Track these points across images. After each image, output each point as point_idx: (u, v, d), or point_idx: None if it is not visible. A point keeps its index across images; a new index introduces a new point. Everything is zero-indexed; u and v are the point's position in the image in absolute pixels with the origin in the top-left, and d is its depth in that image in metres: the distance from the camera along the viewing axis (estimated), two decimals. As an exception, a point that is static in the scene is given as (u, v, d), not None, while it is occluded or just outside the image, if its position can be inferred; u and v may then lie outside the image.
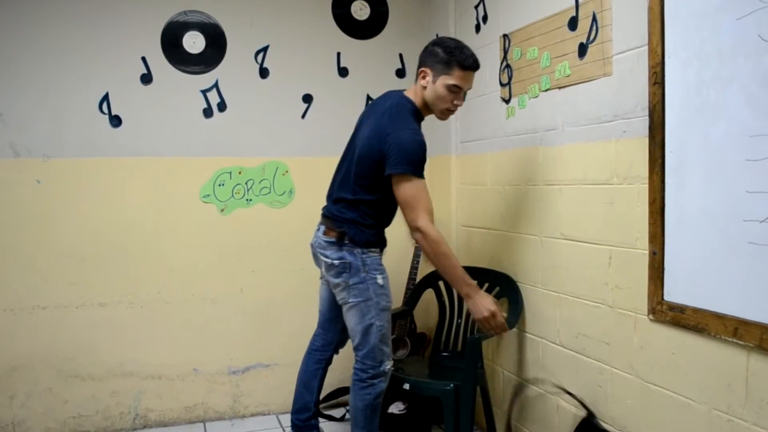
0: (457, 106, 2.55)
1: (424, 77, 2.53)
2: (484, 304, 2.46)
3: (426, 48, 2.57)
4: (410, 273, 3.41)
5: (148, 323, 3.36)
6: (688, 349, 1.97)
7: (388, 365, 2.61)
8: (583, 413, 2.45)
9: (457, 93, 2.52)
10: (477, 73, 3.19)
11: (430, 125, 3.72)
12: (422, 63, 2.55)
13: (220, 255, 3.46)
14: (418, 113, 2.59)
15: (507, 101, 2.96)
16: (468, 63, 2.49)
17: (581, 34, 2.41)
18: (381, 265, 2.63)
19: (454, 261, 2.50)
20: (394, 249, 3.53)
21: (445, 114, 2.59)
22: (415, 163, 2.44)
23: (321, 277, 2.78)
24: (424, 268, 3.62)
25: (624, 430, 2.26)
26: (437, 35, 3.58)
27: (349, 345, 2.74)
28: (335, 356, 2.95)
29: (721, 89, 1.80)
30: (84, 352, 3.28)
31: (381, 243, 2.67)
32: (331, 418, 3.38)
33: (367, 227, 2.59)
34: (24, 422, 3.21)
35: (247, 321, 3.51)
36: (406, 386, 2.67)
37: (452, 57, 2.47)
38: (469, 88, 2.57)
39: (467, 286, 2.49)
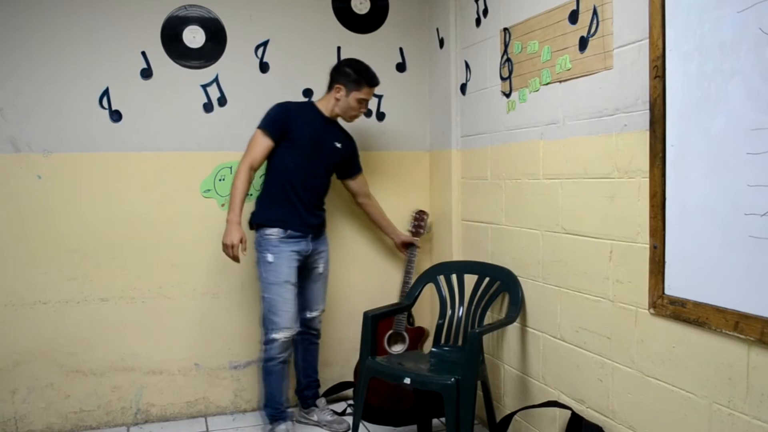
0: (362, 112, 3.24)
1: (338, 92, 3.12)
2: (231, 234, 2.95)
3: (338, 68, 3.16)
4: (406, 267, 3.43)
5: (149, 318, 3.37)
6: (688, 343, 1.97)
7: (273, 335, 3.01)
8: (577, 410, 2.46)
9: (363, 104, 3.17)
10: (478, 67, 3.23)
11: (429, 120, 3.73)
12: (336, 80, 3.13)
13: (220, 250, 3.45)
14: (312, 104, 3.23)
15: (507, 95, 2.95)
16: (374, 83, 3.16)
17: (582, 27, 2.40)
18: (279, 244, 3.04)
19: (236, 193, 2.99)
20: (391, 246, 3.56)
21: (352, 118, 3.22)
22: (264, 118, 3.10)
23: None
24: (423, 265, 3.63)
25: (625, 424, 2.27)
26: (437, 29, 3.57)
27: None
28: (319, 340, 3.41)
29: (722, 82, 1.79)
30: (85, 347, 3.28)
31: (279, 222, 3.07)
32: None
33: (259, 207, 3.16)
34: (26, 417, 3.22)
35: (248, 316, 3.51)
36: (407, 380, 2.68)
37: (362, 77, 3.11)
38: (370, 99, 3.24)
39: (229, 215, 2.99)
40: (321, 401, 3.39)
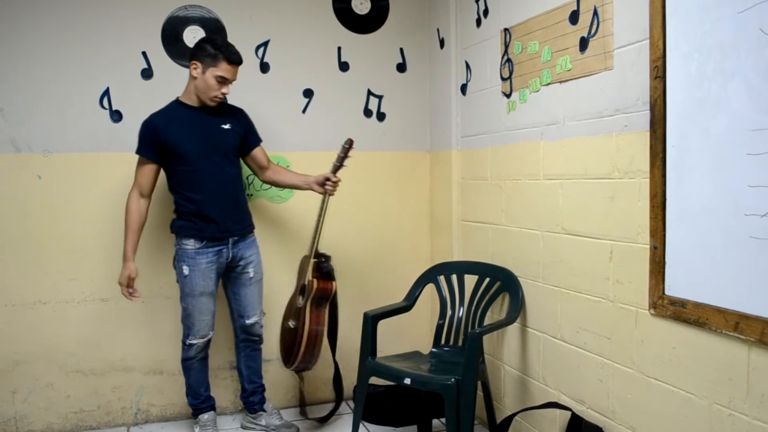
0: (224, 94, 2.93)
1: (194, 69, 2.88)
2: (121, 273, 2.95)
3: (197, 44, 2.94)
4: (318, 212, 3.12)
5: (150, 318, 3.37)
6: (689, 343, 1.97)
7: (188, 340, 3.06)
8: (577, 410, 2.46)
9: (223, 83, 2.89)
10: (478, 68, 3.22)
11: (429, 120, 3.73)
12: (192, 57, 2.91)
13: (221, 250, 3.45)
14: (176, 103, 3.02)
15: (508, 95, 2.95)
16: (233, 58, 2.89)
17: (582, 28, 2.40)
18: (195, 256, 2.98)
19: (128, 225, 2.95)
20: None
21: (214, 100, 2.94)
22: (138, 142, 2.97)
23: None
24: (423, 265, 3.63)
25: (625, 425, 2.27)
26: (438, 30, 3.57)
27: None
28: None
29: (722, 83, 1.79)
30: (85, 347, 3.28)
31: (193, 232, 2.98)
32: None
33: (176, 216, 3.05)
34: (26, 417, 3.21)
35: (248, 316, 3.51)
36: (407, 381, 2.67)
37: (219, 52, 2.86)
38: (234, 80, 2.95)
39: (128, 255, 2.95)
40: (268, 405, 3.31)
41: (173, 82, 3.30)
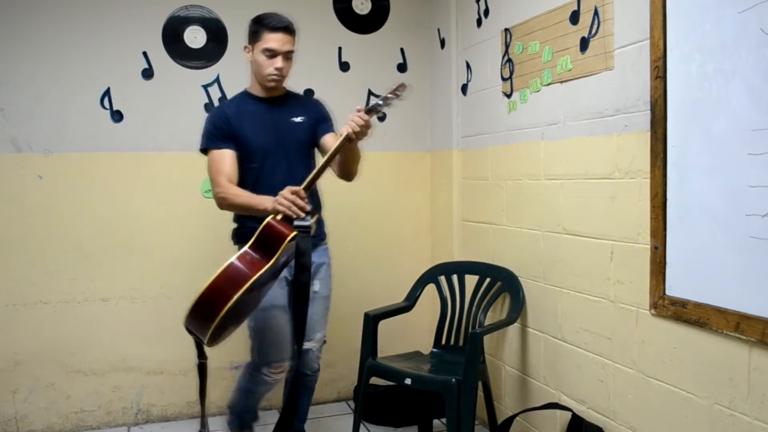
0: (279, 69, 2.54)
1: (247, 53, 2.60)
2: (281, 196, 2.31)
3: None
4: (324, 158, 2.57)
5: (150, 318, 3.37)
6: (689, 343, 1.97)
7: (261, 369, 2.58)
8: (577, 410, 2.46)
9: (274, 56, 2.53)
10: (479, 68, 3.21)
11: (430, 120, 3.72)
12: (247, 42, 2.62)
13: (222, 250, 3.43)
14: (244, 94, 2.71)
15: (508, 96, 2.95)
16: (273, 24, 2.51)
17: (583, 28, 2.40)
18: None
19: (240, 195, 2.50)
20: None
21: (270, 81, 2.58)
22: (203, 135, 2.63)
23: None
24: (424, 265, 3.62)
25: (626, 425, 2.27)
26: (438, 30, 3.57)
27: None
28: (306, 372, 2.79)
29: (723, 83, 1.79)
30: (86, 347, 3.28)
31: (247, 238, 2.35)
32: None
33: (237, 224, 2.72)
34: (26, 417, 3.22)
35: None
36: (408, 381, 2.67)
37: (259, 24, 2.55)
38: (289, 51, 2.55)
39: (265, 203, 2.37)
40: None
41: (174, 82, 3.31)
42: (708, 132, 1.85)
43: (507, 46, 2.94)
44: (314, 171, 2.41)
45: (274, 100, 2.66)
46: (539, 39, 2.68)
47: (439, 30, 3.59)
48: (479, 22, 3.19)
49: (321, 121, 2.74)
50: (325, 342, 2.80)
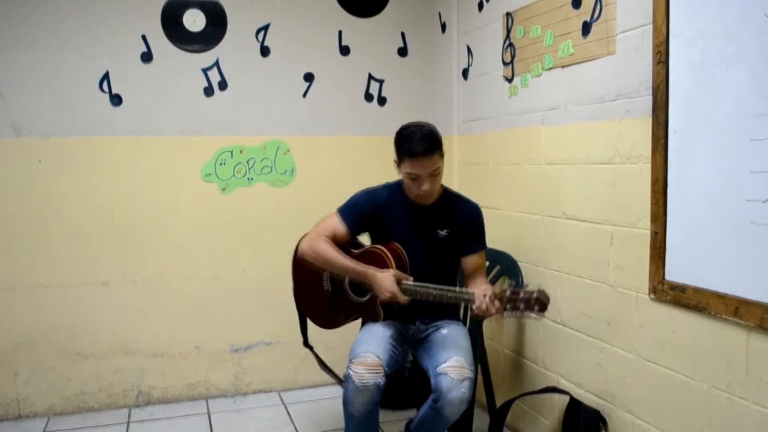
0: (425, 191, 2.43)
1: (396, 166, 2.51)
2: (384, 286, 2.39)
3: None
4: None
5: (151, 302, 3.38)
6: (688, 328, 1.98)
7: (348, 369, 2.40)
8: (576, 394, 2.48)
9: (416, 180, 2.42)
10: (480, 52, 3.19)
11: (430, 105, 3.71)
12: None
13: (221, 234, 3.46)
14: (399, 186, 2.60)
15: (510, 80, 2.94)
16: (412, 149, 2.36)
17: (585, 12, 2.39)
18: None
19: (337, 261, 2.51)
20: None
21: (419, 200, 2.50)
22: (348, 200, 2.64)
23: None
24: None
25: (623, 408, 2.28)
26: (439, 14, 3.55)
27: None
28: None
29: (725, 68, 1.79)
30: (87, 331, 3.30)
31: None
32: None
33: None
34: (28, 399, 3.23)
35: (249, 299, 3.52)
36: (408, 364, 2.69)
37: (401, 148, 2.42)
38: (431, 171, 2.40)
39: (360, 273, 2.46)
40: None
41: (173, 66, 3.29)
42: (710, 117, 1.85)
43: (508, 30, 2.93)
44: (430, 291, 2.37)
45: (425, 207, 2.54)
46: (541, 23, 2.67)
47: (440, 14, 3.57)
48: (480, 6, 3.17)
49: (468, 238, 2.57)
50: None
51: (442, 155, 2.44)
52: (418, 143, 2.35)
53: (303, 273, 2.80)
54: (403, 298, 2.39)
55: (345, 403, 2.42)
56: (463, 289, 2.36)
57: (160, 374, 3.43)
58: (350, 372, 2.34)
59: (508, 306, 2.17)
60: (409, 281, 2.42)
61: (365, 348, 2.40)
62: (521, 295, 2.15)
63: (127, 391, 3.39)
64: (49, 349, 3.25)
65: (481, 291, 2.24)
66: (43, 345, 3.24)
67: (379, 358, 2.35)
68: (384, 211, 2.58)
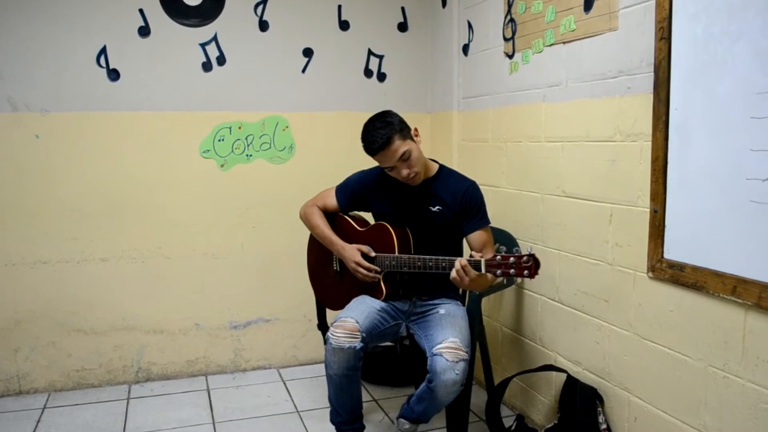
0: (404, 176, 2.46)
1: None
2: (347, 252, 2.60)
3: None
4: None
5: (150, 278, 3.38)
6: (686, 306, 1.98)
7: (329, 332, 2.45)
8: (573, 371, 2.49)
9: (392, 169, 2.47)
10: (480, 28, 3.16)
11: (430, 81, 3.68)
12: None
13: (220, 210, 3.46)
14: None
15: (510, 56, 2.91)
16: (371, 149, 2.43)
17: (587, -13, 2.36)
18: None
19: (322, 231, 2.71)
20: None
21: (407, 182, 2.51)
22: (347, 178, 2.81)
23: None
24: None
25: (620, 386, 2.29)
26: (440, -12, 3.51)
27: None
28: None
29: (728, 45, 1.76)
30: (86, 307, 3.30)
31: None
32: None
33: None
34: (28, 375, 3.25)
35: (248, 276, 3.53)
36: (406, 342, 2.70)
37: (364, 149, 2.48)
38: (398, 158, 2.41)
39: (331, 244, 2.67)
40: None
41: (171, 40, 3.26)
42: (711, 95, 1.83)
43: (509, 5, 2.89)
44: (404, 260, 2.47)
45: (418, 185, 2.56)
46: (542, -2, 2.64)
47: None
48: (481, -19, 3.13)
49: (466, 214, 2.55)
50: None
51: (404, 137, 2.43)
52: (373, 140, 2.41)
53: (313, 256, 2.91)
54: (373, 268, 2.54)
55: (325, 366, 2.52)
56: (444, 258, 2.33)
57: (160, 350, 3.44)
58: (329, 334, 2.43)
59: (498, 271, 2.17)
60: (371, 254, 2.57)
61: (347, 313, 2.49)
62: (511, 259, 2.15)
63: (127, 367, 3.41)
64: (48, 325, 3.26)
65: (458, 261, 2.22)
66: (42, 321, 3.25)
67: (357, 323, 2.42)
68: (376, 191, 2.68)
